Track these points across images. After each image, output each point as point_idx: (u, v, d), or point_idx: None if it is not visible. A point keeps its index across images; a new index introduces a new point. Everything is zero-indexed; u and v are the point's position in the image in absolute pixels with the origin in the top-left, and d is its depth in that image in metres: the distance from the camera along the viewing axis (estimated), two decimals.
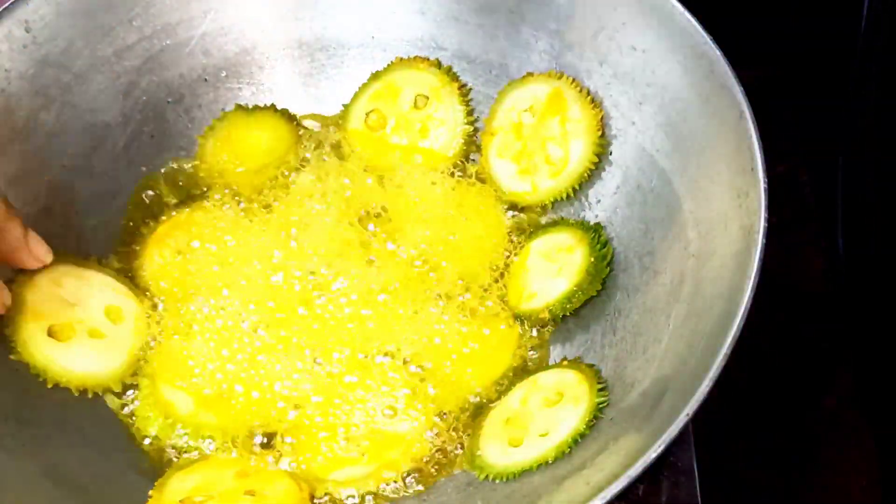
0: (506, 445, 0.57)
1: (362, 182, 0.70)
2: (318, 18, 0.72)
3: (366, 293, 0.65)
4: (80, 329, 0.60)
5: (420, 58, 0.71)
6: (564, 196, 0.66)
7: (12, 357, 0.58)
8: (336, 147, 0.71)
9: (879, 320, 0.79)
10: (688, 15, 0.58)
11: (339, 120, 0.73)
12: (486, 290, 0.65)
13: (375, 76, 0.72)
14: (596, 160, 0.64)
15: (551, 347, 0.63)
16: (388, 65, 0.71)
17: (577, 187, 0.65)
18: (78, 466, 0.56)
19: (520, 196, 0.68)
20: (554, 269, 0.63)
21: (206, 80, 0.72)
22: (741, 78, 0.55)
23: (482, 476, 0.56)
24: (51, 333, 0.59)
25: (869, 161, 0.80)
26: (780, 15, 0.86)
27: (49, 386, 0.58)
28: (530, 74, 0.68)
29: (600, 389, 0.55)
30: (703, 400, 0.46)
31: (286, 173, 0.70)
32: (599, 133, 0.64)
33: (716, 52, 0.56)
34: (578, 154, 0.65)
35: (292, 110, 0.73)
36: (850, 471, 0.77)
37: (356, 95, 0.72)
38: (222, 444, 0.59)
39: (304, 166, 0.71)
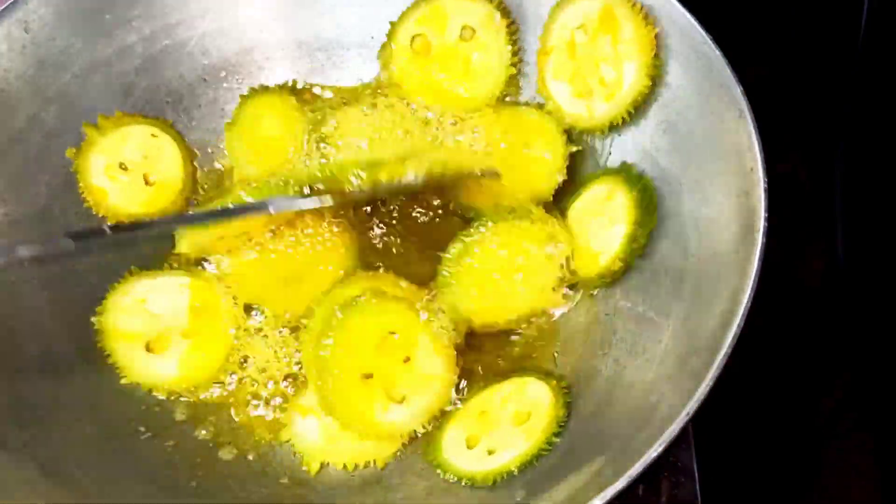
0: (464, 448, 0.58)
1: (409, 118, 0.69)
2: (318, 18, 0.73)
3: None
4: (173, 335, 0.62)
5: None
6: (620, 120, 0.63)
7: (123, 382, 0.61)
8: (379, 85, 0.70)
9: (879, 320, 0.79)
10: (688, 15, 0.58)
11: (385, 39, 0.70)
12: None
13: None
14: (649, 83, 0.61)
15: (551, 346, 0.63)
16: None
17: (632, 111, 0.62)
18: (78, 466, 0.56)
19: (576, 119, 0.65)
20: (605, 221, 0.62)
21: (205, 80, 0.72)
22: (741, 78, 0.55)
23: (444, 474, 0.57)
24: (148, 349, 0.61)
25: (868, 161, 0.80)
26: (780, 15, 0.86)
27: (165, 396, 0.61)
28: None
29: (556, 433, 0.56)
30: (703, 400, 0.46)
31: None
32: (653, 53, 0.61)
33: (715, 52, 0.56)
34: (632, 76, 0.61)
35: None
36: (850, 470, 0.77)
37: (403, 16, 0.69)
38: None
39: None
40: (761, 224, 0.50)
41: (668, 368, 0.52)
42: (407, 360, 0.59)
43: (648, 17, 0.61)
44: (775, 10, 0.86)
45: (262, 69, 0.73)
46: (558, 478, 0.52)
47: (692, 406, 0.46)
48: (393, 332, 0.59)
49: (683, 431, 0.46)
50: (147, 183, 0.68)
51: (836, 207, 0.81)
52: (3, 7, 0.62)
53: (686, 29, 0.58)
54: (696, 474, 0.61)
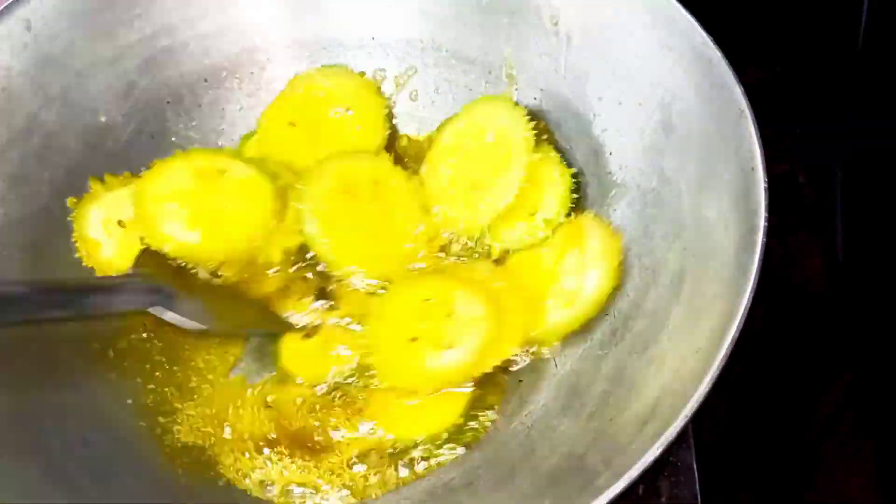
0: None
1: None
2: (318, 18, 0.73)
3: None
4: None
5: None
6: (574, 328, 0.61)
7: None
8: None
9: (879, 321, 0.79)
10: (688, 15, 0.58)
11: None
12: None
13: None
14: (612, 288, 0.60)
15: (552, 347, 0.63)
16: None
17: (589, 318, 0.60)
18: (78, 468, 0.56)
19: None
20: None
21: (205, 80, 0.72)
22: (741, 78, 0.55)
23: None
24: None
25: (868, 161, 0.80)
26: (780, 15, 0.87)
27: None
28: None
29: None
30: (703, 400, 0.46)
31: None
32: (619, 261, 0.60)
33: (716, 53, 0.56)
34: (595, 282, 0.60)
35: None
36: (850, 470, 0.77)
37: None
38: None
39: None
40: (762, 224, 0.50)
41: (669, 368, 0.52)
42: (448, 315, 0.60)
43: (615, 230, 0.61)
44: (775, 10, 0.86)
45: (263, 69, 0.73)
46: (558, 479, 0.52)
47: (692, 406, 0.46)
48: (428, 299, 0.61)
49: (683, 431, 0.46)
50: (143, 243, 0.65)
51: (836, 207, 0.81)
52: (6, 5, 0.62)
53: (686, 29, 0.58)
54: (696, 474, 0.61)
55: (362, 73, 0.73)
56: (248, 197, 0.63)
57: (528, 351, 0.62)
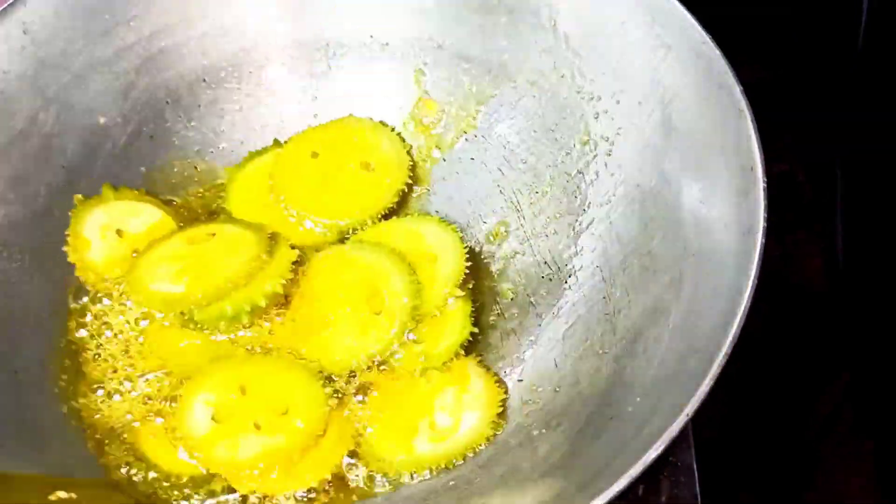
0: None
1: None
2: (318, 18, 0.72)
3: None
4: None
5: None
6: (442, 466, 0.58)
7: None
8: None
9: (878, 321, 0.79)
10: (688, 14, 0.58)
11: None
12: None
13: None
14: (490, 436, 0.59)
15: (552, 346, 0.63)
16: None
17: (457, 461, 0.58)
18: (81, 468, 0.56)
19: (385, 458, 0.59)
20: None
21: (204, 80, 0.72)
22: (741, 78, 0.55)
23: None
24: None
25: (868, 161, 0.80)
26: (780, 15, 0.87)
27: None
28: None
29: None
30: (703, 400, 0.46)
31: None
32: (500, 411, 0.60)
33: (715, 52, 0.56)
34: (471, 425, 0.59)
35: (291, 111, 0.73)
36: (849, 470, 0.77)
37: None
38: None
39: None
40: (761, 224, 0.50)
41: (668, 368, 0.52)
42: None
43: (501, 381, 0.62)
44: (775, 10, 0.86)
45: (262, 69, 0.73)
46: (558, 478, 0.52)
47: (692, 406, 0.46)
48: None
49: (683, 431, 0.46)
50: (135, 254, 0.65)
51: (835, 206, 0.81)
52: (3, 7, 0.62)
53: (686, 29, 0.58)
54: (696, 474, 0.61)
55: (409, 147, 0.72)
56: (235, 250, 0.62)
57: (386, 479, 0.59)
